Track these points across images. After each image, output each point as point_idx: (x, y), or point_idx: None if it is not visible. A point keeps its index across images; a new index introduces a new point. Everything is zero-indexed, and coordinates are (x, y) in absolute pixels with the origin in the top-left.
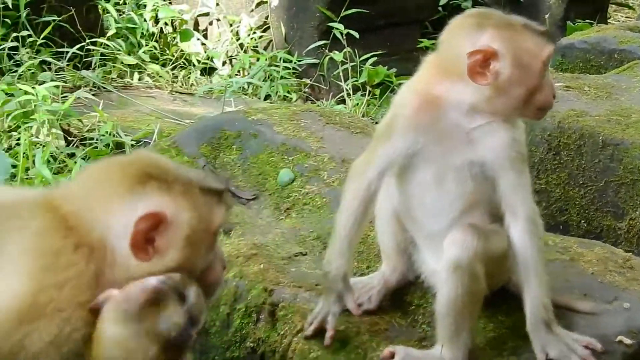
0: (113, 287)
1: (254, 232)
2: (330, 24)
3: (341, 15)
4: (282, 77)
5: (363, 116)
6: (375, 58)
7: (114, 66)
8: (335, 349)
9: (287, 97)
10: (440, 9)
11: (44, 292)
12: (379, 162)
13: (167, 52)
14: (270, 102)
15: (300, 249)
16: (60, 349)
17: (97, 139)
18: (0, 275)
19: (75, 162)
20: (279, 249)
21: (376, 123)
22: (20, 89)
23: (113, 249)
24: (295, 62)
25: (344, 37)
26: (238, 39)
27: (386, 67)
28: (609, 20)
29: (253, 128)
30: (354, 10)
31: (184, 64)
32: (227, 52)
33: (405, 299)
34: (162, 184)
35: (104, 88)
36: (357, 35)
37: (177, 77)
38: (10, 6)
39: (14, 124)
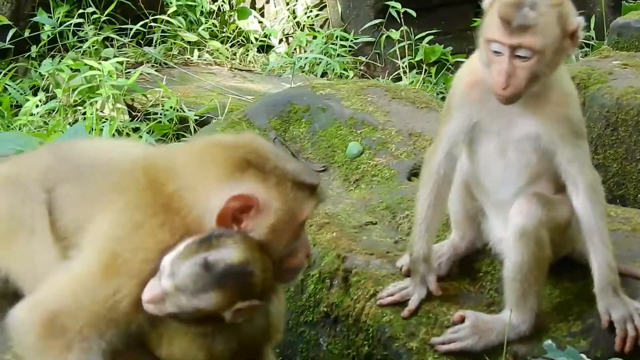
0: None
1: (325, 202)
2: (386, 3)
3: None
4: (338, 55)
5: None
6: (431, 36)
7: (174, 43)
8: (397, 310)
9: (344, 74)
10: None
11: (122, 254)
12: (444, 143)
13: (226, 29)
14: (327, 80)
15: (370, 218)
16: (143, 313)
17: (160, 114)
18: (92, 229)
19: (140, 136)
20: (350, 218)
21: (442, 99)
22: (86, 64)
23: (203, 227)
24: (351, 40)
25: (400, 16)
26: (295, 17)
27: (441, 46)
28: None
29: (321, 102)
30: None
31: (242, 41)
32: (284, 30)
33: (473, 266)
34: (259, 173)
35: (166, 64)
36: (413, 13)
37: (235, 54)
38: None
39: (80, 98)
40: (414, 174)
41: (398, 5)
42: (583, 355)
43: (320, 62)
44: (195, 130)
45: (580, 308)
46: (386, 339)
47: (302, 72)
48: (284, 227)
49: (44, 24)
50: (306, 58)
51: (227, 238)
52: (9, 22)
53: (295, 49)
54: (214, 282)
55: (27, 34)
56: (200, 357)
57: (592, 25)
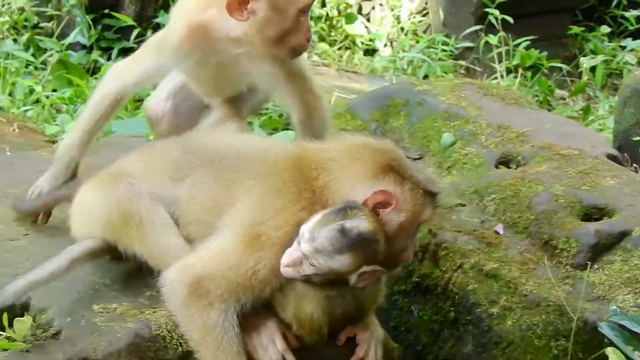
0: None
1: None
2: (486, 10)
3: (497, 2)
4: (439, 59)
5: None
6: (528, 42)
7: None
8: (490, 283)
9: (444, 77)
10: None
11: (265, 229)
12: (140, 73)
13: (333, 33)
14: None
15: (460, 200)
16: (278, 278)
17: (271, 110)
18: (234, 210)
19: (253, 130)
20: (442, 200)
21: (537, 100)
22: None
23: None
24: (452, 45)
25: (499, 23)
26: (399, 23)
27: (537, 51)
28: None
29: (419, 97)
30: None
31: (349, 44)
32: (388, 34)
33: (551, 243)
34: (399, 177)
35: None
36: (511, 20)
37: (342, 56)
38: None
39: None
40: (501, 162)
41: (496, 12)
42: None
43: (422, 66)
44: None
45: None
46: (470, 305)
47: (405, 74)
48: (408, 226)
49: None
50: (406, 58)
51: (359, 210)
52: (133, 23)
53: (398, 53)
54: (348, 246)
55: (149, 34)
56: (322, 320)
57: None
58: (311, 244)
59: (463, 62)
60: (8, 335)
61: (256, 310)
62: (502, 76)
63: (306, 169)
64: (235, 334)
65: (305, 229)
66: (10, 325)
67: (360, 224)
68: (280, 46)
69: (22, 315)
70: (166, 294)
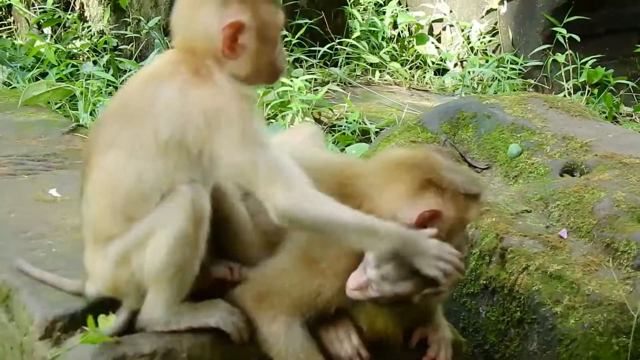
0: None
1: (487, 193)
2: (554, 29)
3: (564, 21)
4: (508, 78)
5: None
6: (595, 60)
7: (358, 64)
8: (554, 284)
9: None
10: None
11: (325, 257)
12: None
13: (405, 53)
14: None
15: (525, 207)
16: (343, 298)
17: (344, 126)
18: None
19: (327, 145)
20: (508, 207)
21: (604, 116)
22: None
23: None
24: (521, 64)
25: (567, 42)
26: (469, 43)
27: (604, 69)
28: None
29: (487, 110)
30: (576, 17)
31: (420, 64)
32: (459, 54)
33: (612, 245)
34: (438, 189)
35: (349, 84)
36: (578, 39)
37: (413, 76)
38: None
39: (272, 112)
40: (565, 171)
41: (564, 32)
42: None
43: (491, 84)
44: None
45: None
46: (535, 305)
47: (474, 92)
48: (455, 230)
49: None
50: (474, 72)
51: None
52: None
53: (468, 73)
54: (412, 272)
55: None
56: (396, 332)
57: None
58: (377, 271)
59: (532, 81)
60: (98, 332)
61: (337, 317)
62: (569, 93)
63: (349, 198)
64: (300, 344)
65: (370, 255)
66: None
67: None
68: (265, 74)
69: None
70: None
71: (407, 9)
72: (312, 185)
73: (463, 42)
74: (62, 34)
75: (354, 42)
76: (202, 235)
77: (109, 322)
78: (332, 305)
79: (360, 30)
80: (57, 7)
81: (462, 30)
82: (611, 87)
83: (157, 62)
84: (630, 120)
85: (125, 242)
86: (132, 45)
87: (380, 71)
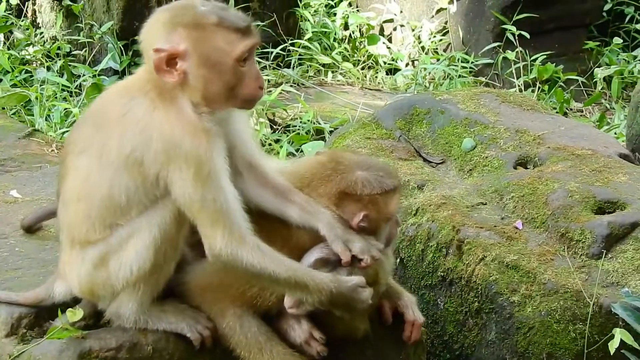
0: None
1: (442, 187)
2: (503, 27)
3: (514, 19)
4: (460, 76)
5: None
6: (544, 57)
7: (310, 65)
8: (511, 273)
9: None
10: (604, 14)
11: None
12: None
13: (357, 54)
14: None
15: (481, 200)
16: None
17: (299, 127)
18: None
19: (281, 146)
20: (464, 200)
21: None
22: None
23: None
24: (472, 62)
25: (516, 39)
26: (420, 42)
27: (554, 65)
28: None
29: (440, 106)
30: (525, 14)
31: (372, 64)
32: (410, 54)
33: (568, 235)
34: (355, 198)
35: (303, 84)
36: (528, 36)
37: (365, 76)
38: None
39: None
40: (519, 163)
41: (513, 29)
42: None
43: (443, 83)
44: None
45: None
46: (493, 294)
47: (426, 90)
48: (382, 225)
49: None
50: (426, 70)
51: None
52: None
53: (420, 71)
54: None
55: None
56: (364, 320)
57: None
58: None
59: (483, 79)
60: (65, 327)
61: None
62: (520, 90)
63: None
64: (257, 329)
65: None
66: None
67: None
68: (232, 100)
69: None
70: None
71: (358, 10)
72: (252, 233)
73: (414, 41)
74: (15, 40)
75: (306, 44)
76: (183, 237)
77: (77, 316)
78: (273, 309)
79: (312, 32)
80: (9, 13)
81: (413, 30)
82: (561, 83)
83: (133, 76)
84: (581, 115)
85: (106, 246)
86: (86, 51)
87: (332, 72)
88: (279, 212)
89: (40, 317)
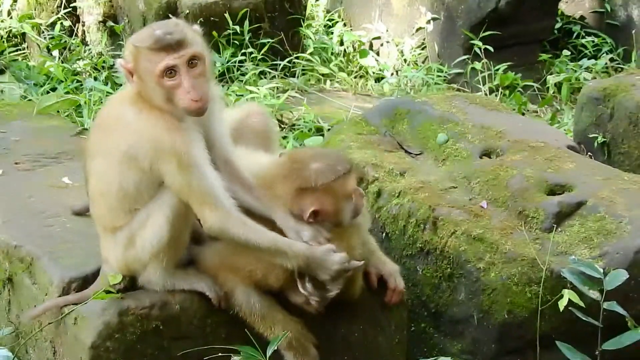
0: None
1: (421, 174)
2: (472, 42)
3: (480, 35)
4: (436, 83)
5: None
6: (506, 67)
7: (312, 75)
8: (477, 245)
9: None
10: (555, 31)
11: None
12: None
13: (350, 65)
14: None
15: (452, 184)
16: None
17: (302, 125)
18: None
19: (288, 142)
20: (438, 184)
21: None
22: (247, 90)
23: None
24: (445, 72)
25: (482, 52)
26: (402, 56)
27: (513, 74)
28: None
29: (418, 107)
30: (490, 32)
31: (363, 74)
32: (394, 65)
33: (524, 212)
34: (310, 191)
35: (306, 91)
36: (492, 50)
37: (357, 83)
38: (238, 31)
39: None
40: (484, 154)
41: (480, 44)
42: (597, 266)
43: (421, 89)
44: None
45: (599, 240)
46: (462, 262)
47: (408, 94)
48: (345, 204)
49: (215, 62)
50: (407, 78)
51: None
52: None
53: (402, 79)
54: None
55: None
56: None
57: (633, 57)
58: (311, 285)
59: (455, 85)
60: (107, 289)
61: None
62: (486, 94)
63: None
64: (260, 306)
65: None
66: None
67: None
68: (176, 109)
69: None
70: None
71: (351, 29)
72: (235, 207)
73: (397, 55)
74: (68, 55)
75: (309, 57)
76: (191, 210)
77: (117, 280)
78: (275, 288)
79: (313, 47)
80: (63, 33)
81: (397, 46)
82: (519, 89)
83: (127, 87)
84: (536, 115)
85: (130, 228)
86: None
87: (330, 80)
88: (246, 204)
89: (87, 281)
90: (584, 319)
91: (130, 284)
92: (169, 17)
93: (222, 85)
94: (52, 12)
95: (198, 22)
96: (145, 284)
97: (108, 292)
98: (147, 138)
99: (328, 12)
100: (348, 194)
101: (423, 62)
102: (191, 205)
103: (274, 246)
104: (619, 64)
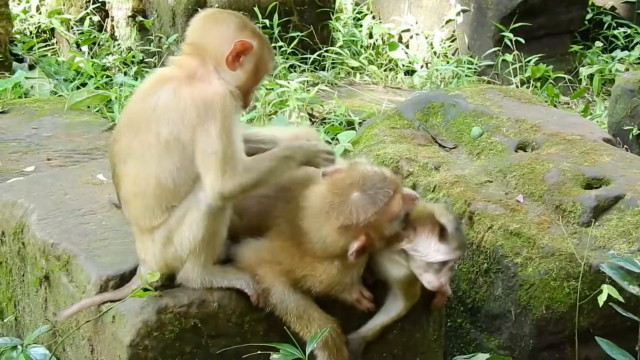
0: None
1: (455, 168)
2: (502, 34)
3: (510, 27)
4: (466, 76)
5: None
6: (537, 59)
7: (341, 68)
8: (514, 239)
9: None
10: (586, 22)
11: None
12: None
13: (380, 58)
14: None
15: (488, 178)
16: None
17: (333, 119)
18: None
19: (319, 136)
20: (473, 178)
21: (545, 101)
22: (277, 84)
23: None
24: (476, 64)
25: (513, 44)
26: (432, 48)
27: (545, 66)
28: None
29: (452, 100)
30: (520, 23)
31: (393, 67)
32: (424, 58)
33: (561, 207)
34: (355, 227)
35: (336, 84)
36: (523, 41)
37: (387, 76)
38: (267, 25)
39: (273, 109)
40: (519, 147)
41: (511, 35)
42: (637, 261)
43: (452, 82)
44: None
45: (637, 234)
46: (499, 257)
47: (438, 87)
48: (390, 224)
49: None
50: (438, 71)
51: None
52: None
53: (433, 72)
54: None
55: None
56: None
57: None
58: (442, 274)
59: (485, 78)
60: (145, 287)
61: None
62: (517, 87)
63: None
64: (296, 304)
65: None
66: None
67: None
68: (242, 97)
69: None
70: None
71: (380, 22)
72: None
73: (427, 47)
74: (97, 50)
75: (338, 50)
76: (229, 206)
77: (155, 277)
78: (313, 292)
79: (343, 40)
80: (92, 28)
81: (426, 38)
82: (551, 81)
83: (154, 74)
84: (568, 107)
85: (168, 226)
86: (155, 58)
87: (360, 73)
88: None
89: (124, 279)
90: (624, 314)
91: (169, 281)
92: (197, 12)
93: None
94: (81, 8)
95: None
96: (184, 282)
97: (146, 289)
98: (193, 104)
99: (357, 4)
100: (394, 216)
101: (453, 55)
102: (209, 171)
103: (277, 160)
104: None
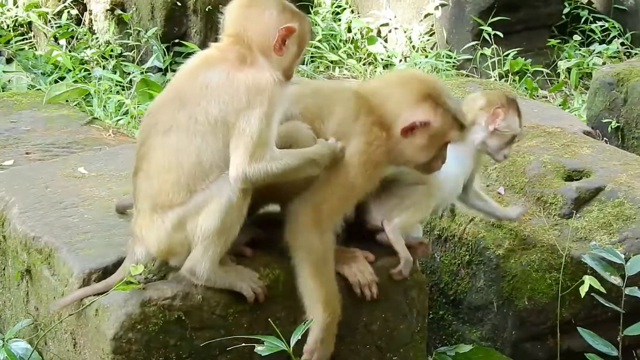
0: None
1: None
2: (480, 28)
3: (489, 21)
4: (445, 70)
5: None
6: (515, 53)
7: (321, 62)
8: (496, 231)
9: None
10: (563, 16)
11: (371, 146)
12: None
13: (359, 52)
14: None
15: None
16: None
17: None
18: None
19: None
20: None
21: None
22: None
23: (396, 131)
24: (454, 58)
25: (492, 38)
26: (411, 42)
27: (523, 59)
28: None
29: None
30: (498, 17)
31: (371, 61)
32: (403, 52)
33: (542, 198)
34: (434, 104)
35: (315, 78)
36: (501, 35)
37: (366, 70)
38: None
39: None
40: None
41: (489, 29)
42: (618, 252)
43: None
44: None
45: (618, 225)
46: (481, 249)
47: None
48: (436, 140)
49: None
50: (417, 65)
51: None
52: (199, 49)
53: (412, 66)
54: None
55: None
56: None
57: None
58: None
59: (464, 72)
60: (128, 279)
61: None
62: (495, 80)
63: (368, 98)
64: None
65: None
66: None
67: None
68: (288, 75)
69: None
70: (290, 226)
71: (359, 16)
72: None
73: (406, 41)
74: (75, 44)
75: (317, 44)
76: (247, 204)
77: (138, 270)
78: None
79: (322, 34)
80: (70, 22)
81: (405, 32)
82: (529, 74)
83: (202, 55)
84: (546, 100)
85: (184, 209)
86: (134, 52)
87: (339, 67)
88: None
89: (107, 272)
90: (606, 304)
91: (157, 271)
92: (177, 6)
93: None
94: (59, 1)
95: (206, 10)
96: (187, 274)
97: (129, 282)
98: (245, 87)
99: None
100: (446, 139)
101: (432, 49)
102: (239, 149)
103: (304, 160)
104: (627, 48)
